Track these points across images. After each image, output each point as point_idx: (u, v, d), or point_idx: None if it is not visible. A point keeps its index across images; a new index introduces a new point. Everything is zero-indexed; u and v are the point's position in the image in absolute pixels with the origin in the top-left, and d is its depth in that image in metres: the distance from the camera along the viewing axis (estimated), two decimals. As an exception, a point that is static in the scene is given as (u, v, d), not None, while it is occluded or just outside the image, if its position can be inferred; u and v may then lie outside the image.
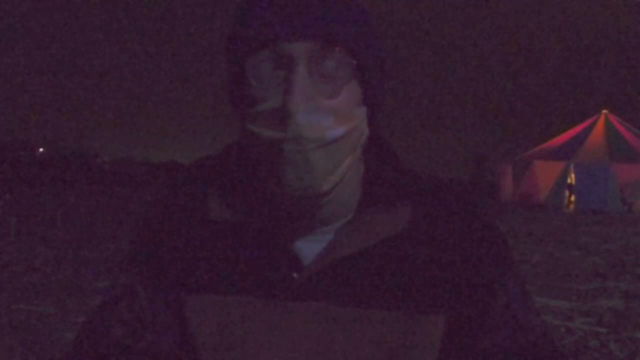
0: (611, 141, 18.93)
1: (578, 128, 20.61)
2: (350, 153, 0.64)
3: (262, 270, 0.68)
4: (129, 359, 0.70)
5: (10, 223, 7.26)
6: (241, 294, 0.68)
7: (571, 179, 17.98)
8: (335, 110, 0.61)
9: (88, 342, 0.71)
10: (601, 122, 20.15)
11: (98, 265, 5.22)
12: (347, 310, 0.66)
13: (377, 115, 0.68)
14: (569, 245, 7.86)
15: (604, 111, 20.70)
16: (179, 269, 0.71)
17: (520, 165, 19.55)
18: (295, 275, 0.67)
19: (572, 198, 17.92)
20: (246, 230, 0.69)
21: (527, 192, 18.58)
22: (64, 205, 10.60)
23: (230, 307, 0.68)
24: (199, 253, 0.70)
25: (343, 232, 0.68)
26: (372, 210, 0.68)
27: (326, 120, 0.60)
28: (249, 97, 0.63)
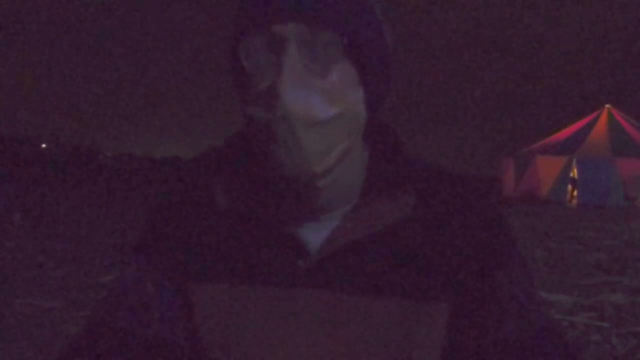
0: (614, 136, 18.86)
1: (581, 123, 20.53)
2: (347, 137, 0.64)
3: (268, 257, 0.69)
4: (136, 348, 0.71)
5: (13, 218, 7.29)
6: (247, 282, 0.69)
7: (574, 173, 17.95)
8: (326, 90, 0.61)
9: (95, 330, 0.71)
10: (604, 117, 20.07)
11: (102, 259, 5.24)
12: (351, 297, 0.67)
13: (379, 100, 0.68)
14: (572, 240, 7.86)
15: (607, 105, 20.62)
16: (185, 258, 0.72)
17: (522, 160, 19.50)
18: (300, 262, 0.68)
19: (575, 193, 17.90)
20: (251, 219, 0.70)
21: (530, 187, 18.55)
22: (67, 200, 10.63)
23: (236, 295, 0.69)
24: (205, 242, 0.71)
25: (347, 219, 0.68)
26: (376, 196, 0.69)
27: (316, 100, 0.60)
28: (243, 80, 0.64)
